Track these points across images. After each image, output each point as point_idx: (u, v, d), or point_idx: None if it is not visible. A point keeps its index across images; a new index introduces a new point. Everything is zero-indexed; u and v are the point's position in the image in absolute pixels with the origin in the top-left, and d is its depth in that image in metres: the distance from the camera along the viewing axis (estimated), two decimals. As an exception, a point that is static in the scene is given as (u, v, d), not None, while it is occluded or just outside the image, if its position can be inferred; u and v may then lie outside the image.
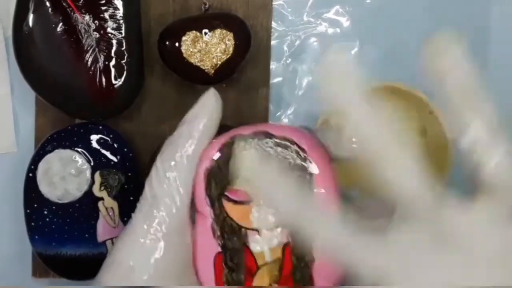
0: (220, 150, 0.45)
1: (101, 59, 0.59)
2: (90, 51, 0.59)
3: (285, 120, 0.64)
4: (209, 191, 0.45)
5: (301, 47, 0.64)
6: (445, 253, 0.38)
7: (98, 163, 0.60)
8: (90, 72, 0.59)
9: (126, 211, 0.60)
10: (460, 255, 0.38)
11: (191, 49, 0.59)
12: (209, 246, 0.45)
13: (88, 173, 0.60)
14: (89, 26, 0.59)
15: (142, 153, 0.62)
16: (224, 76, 0.60)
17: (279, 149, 0.44)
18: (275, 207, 0.42)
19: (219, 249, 0.45)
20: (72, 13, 0.59)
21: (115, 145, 0.60)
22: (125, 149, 0.61)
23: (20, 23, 0.59)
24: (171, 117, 0.63)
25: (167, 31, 0.60)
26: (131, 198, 0.60)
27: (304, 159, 0.44)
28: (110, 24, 0.59)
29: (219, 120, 0.47)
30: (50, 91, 0.60)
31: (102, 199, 0.60)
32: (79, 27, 0.59)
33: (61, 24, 0.59)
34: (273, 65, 0.64)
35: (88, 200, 0.60)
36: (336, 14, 0.64)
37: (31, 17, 0.59)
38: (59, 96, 0.60)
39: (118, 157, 0.60)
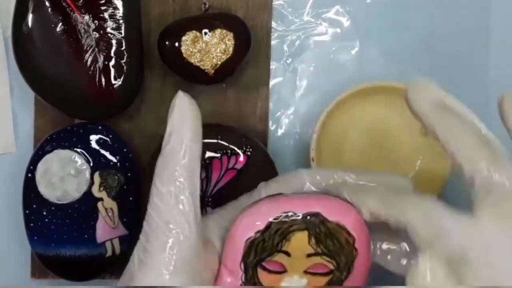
0: (268, 225, 0.44)
1: (101, 59, 0.59)
2: (90, 51, 0.59)
3: (285, 120, 0.64)
4: (246, 259, 0.44)
5: (301, 47, 0.64)
6: None
7: (97, 163, 0.60)
8: (90, 72, 0.59)
9: (126, 211, 0.60)
10: None
11: (191, 49, 0.59)
12: None
13: (87, 173, 0.60)
14: (89, 26, 0.59)
15: (141, 153, 0.62)
16: (224, 76, 0.60)
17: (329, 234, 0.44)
18: None
19: None
20: (71, 13, 0.59)
21: (115, 146, 0.60)
22: (125, 150, 0.60)
23: (20, 23, 0.59)
24: (171, 117, 0.63)
25: (167, 31, 0.60)
26: (131, 199, 0.60)
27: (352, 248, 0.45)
28: (110, 24, 0.59)
29: (200, 116, 0.46)
30: (49, 91, 0.60)
31: (101, 199, 0.60)
32: (79, 27, 0.59)
33: (60, 24, 0.59)
34: (273, 65, 0.64)
35: (88, 201, 0.60)
36: (336, 14, 0.64)
37: (30, 17, 0.59)
38: (59, 96, 0.60)
39: (118, 157, 0.60)
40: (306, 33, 0.64)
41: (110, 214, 0.60)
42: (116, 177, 0.60)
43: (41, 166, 0.60)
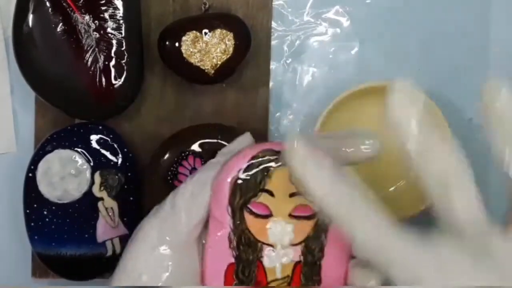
0: (249, 162, 0.45)
1: (101, 59, 0.59)
2: (90, 51, 0.59)
3: (285, 121, 0.64)
4: (232, 201, 0.45)
5: (301, 47, 0.64)
6: (482, 271, 0.39)
7: (97, 163, 0.60)
8: (90, 72, 0.59)
9: (126, 211, 0.60)
10: (496, 277, 0.39)
11: (191, 49, 0.59)
12: (223, 255, 0.45)
13: (87, 173, 0.60)
14: (89, 26, 0.59)
15: (142, 153, 0.62)
16: (224, 76, 0.60)
17: None
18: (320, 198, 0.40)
19: (232, 260, 0.45)
20: (72, 13, 0.59)
21: (115, 145, 0.60)
22: (125, 149, 0.61)
23: (20, 23, 0.59)
24: (171, 117, 0.63)
25: (167, 31, 0.60)
26: (131, 198, 0.60)
27: None
28: (110, 24, 0.59)
29: None
30: (49, 91, 0.60)
31: (102, 199, 0.60)
32: (79, 27, 0.59)
33: (61, 24, 0.59)
34: (273, 65, 0.64)
35: (88, 200, 0.60)
36: (336, 14, 0.64)
37: (31, 17, 0.59)
38: (59, 96, 0.60)
39: (118, 157, 0.60)
40: (306, 33, 0.64)
41: (110, 214, 0.60)
42: (117, 176, 0.60)
43: (41, 165, 0.60)
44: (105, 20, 0.59)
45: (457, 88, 0.63)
